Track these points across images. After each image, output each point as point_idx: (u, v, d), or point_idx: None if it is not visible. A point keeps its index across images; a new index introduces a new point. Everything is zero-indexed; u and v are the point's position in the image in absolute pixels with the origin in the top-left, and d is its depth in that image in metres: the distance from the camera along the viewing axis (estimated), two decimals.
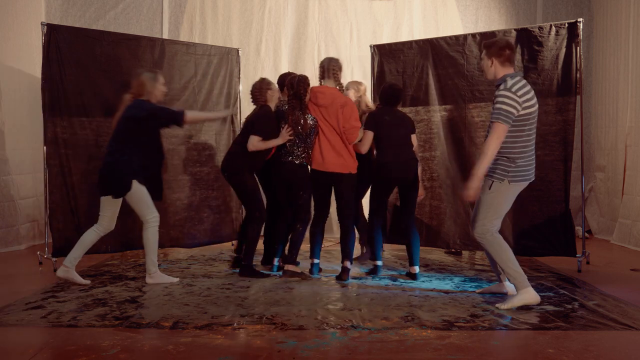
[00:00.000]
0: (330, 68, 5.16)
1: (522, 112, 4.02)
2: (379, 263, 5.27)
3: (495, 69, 4.18)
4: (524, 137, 4.08)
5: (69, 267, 4.82)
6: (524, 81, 4.14)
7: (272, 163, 5.21)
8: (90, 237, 4.88)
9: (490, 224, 4.16)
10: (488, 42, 4.32)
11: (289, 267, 5.15)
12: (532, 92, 4.13)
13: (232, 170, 5.24)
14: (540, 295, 4.41)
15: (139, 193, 4.81)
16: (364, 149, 5.13)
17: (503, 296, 4.43)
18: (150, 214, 4.87)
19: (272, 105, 5.28)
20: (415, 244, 5.17)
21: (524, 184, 4.20)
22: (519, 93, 4.02)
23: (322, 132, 5.06)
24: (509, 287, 4.46)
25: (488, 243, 4.17)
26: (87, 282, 4.90)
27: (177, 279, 5.02)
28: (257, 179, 5.39)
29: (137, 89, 4.88)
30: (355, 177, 5.10)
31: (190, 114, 4.98)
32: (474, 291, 4.65)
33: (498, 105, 4.01)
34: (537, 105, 4.15)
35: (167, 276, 5.04)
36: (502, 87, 4.08)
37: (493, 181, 4.13)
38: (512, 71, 4.18)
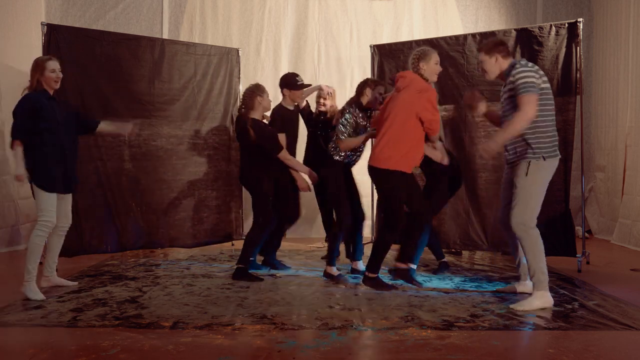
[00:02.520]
0: (410, 63, 4.73)
1: (542, 85, 4.07)
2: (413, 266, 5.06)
3: (500, 64, 4.21)
4: (548, 112, 4.11)
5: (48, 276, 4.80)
6: (531, 63, 4.22)
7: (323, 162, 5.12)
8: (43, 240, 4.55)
9: (532, 213, 4.06)
10: (484, 44, 4.38)
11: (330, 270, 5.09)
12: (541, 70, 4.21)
13: (252, 182, 5.16)
14: None
15: (39, 192, 4.46)
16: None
17: (501, 295, 4.44)
18: (43, 216, 4.45)
19: (257, 113, 5.08)
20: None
21: (556, 162, 4.15)
22: (535, 68, 4.10)
23: (387, 122, 4.55)
24: (527, 285, 4.45)
25: (527, 237, 4.07)
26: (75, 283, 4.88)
27: (44, 298, 4.38)
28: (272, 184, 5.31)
29: (30, 80, 4.52)
30: (394, 175, 4.48)
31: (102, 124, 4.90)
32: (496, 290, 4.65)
33: (521, 81, 4.01)
34: (548, 83, 4.19)
35: (37, 291, 4.42)
36: (516, 67, 4.10)
37: (530, 162, 4.07)
38: (512, 60, 4.24)
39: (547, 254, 5.45)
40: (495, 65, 4.23)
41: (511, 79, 4.10)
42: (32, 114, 4.41)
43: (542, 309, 4.03)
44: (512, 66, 4.15)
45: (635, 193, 6.68)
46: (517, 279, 4.61)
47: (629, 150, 6.91)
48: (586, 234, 6.57)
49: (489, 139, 4.11)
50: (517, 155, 4.16)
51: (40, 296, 4.40)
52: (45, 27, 5.54)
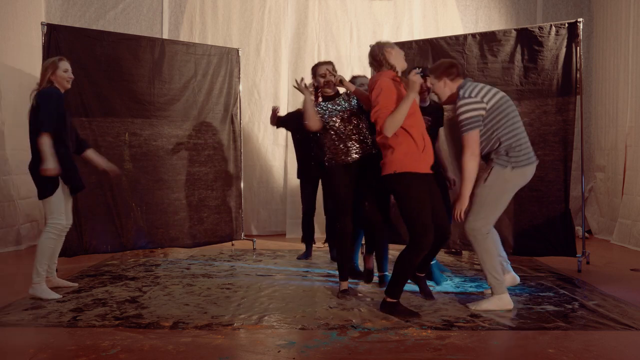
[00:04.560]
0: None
1: (489, 106, 3.98)
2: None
3: (448, 87, 4.12)
4: (508, 123, 4.01)
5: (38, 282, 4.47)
6: (475, 83, 4.10)
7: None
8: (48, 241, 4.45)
9: (485, 221, 4.04)
10: (432, 67, 4.26)
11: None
12: (488, 86, 4.09)
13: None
14: (540, 295, 4.42)
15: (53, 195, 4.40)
16: None
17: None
18: (52, 218, 4.42)
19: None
20: None
21: (528, 169, 4.05)
22: (473, 94, 3.99)
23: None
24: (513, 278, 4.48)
25: (477, 242, 4.08)
26: (58, 296, 4.45)
27: (60, 296, 4.39)
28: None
29: (40, 79, 4.51)
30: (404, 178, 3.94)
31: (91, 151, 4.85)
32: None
33: (460, 117, 3.97)
34: (501, 93, 4.07)
35: (50, 291, 4.41)
36: (459, 98, 4.02)
37: (492, 167, 4.03)
38: (461, 81, 4.13)
39: (547, 254, 5.52)
40: (444, 88, 4.14)
41: (455, 110, 4.05)
42: (60, 107, 4.40)
43: (508, 310, 4.02)
44: (458, 96, 4.04)
45: (635, 193, 6.68)
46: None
47: (629, 150, 6.91)
48: (586, 234, 6.57)
49: (457, 200, 4.06)
50: (490, 160, 4.10)
51: (54, 295, 4.39)
52: (45, 27, 5.54)
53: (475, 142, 3.98)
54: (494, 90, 4.09)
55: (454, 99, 4.13)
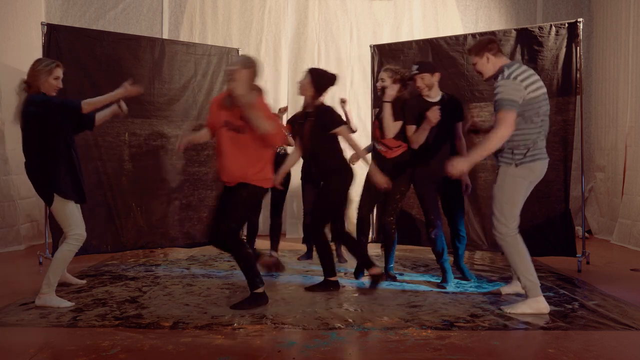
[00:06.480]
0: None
1: (529, 97, 3.90)
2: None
3: (492, 63, 4.09)
4: (530, 125, 3.93)
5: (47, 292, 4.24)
6: (523, 66, 4.02)
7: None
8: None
9: (507, 221, 3.97)
10: (473, 45, 4.24)
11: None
12: (535, 75, 3.99)
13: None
14: None
15: (62, 204, 4.21)
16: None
17: (502, 296, 4.45)
18: (72, 230, 4.24)
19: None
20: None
21: (536, 165, 3.97)
22: (519, 79, 3.90)
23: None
24: (513, 286, 4.45)
25: (507, 245, 4.00)
26: (71, 303, 4.23)
27: (72, 304, 4.20)
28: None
29: (30, 79, 4.35)
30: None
31: (85, 103, 4.29)
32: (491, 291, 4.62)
33: (499, 96, 3.90)
34: (543, 89, 3.99)
35: (60, 299, 4.23)
36: (499, 77, 3.98)
37: (500, 167, 4.01)
38: (507, 61, 4.10)
39: (547, 254, 5.51)
40: (487, 64, 4.11)
41: (495, 87, 3.98)
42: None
43: (543, 315, 3.95)
44: (501, 71, 4.01)
45: (635, 193, 6.68)
46: (507, 280, 4.62)
47: (629, 150, 6.91)
48: (586, 234, 6.57)
49: (465, 155, 4.01)
50: (497, 159, 4.09)
51: (66, 303, 4.19)
52: (45, 27, 5.54)
53: (509, 123, 3.85)
54: (540, 83, 3.99)
55: (496, 75, 4.07)
